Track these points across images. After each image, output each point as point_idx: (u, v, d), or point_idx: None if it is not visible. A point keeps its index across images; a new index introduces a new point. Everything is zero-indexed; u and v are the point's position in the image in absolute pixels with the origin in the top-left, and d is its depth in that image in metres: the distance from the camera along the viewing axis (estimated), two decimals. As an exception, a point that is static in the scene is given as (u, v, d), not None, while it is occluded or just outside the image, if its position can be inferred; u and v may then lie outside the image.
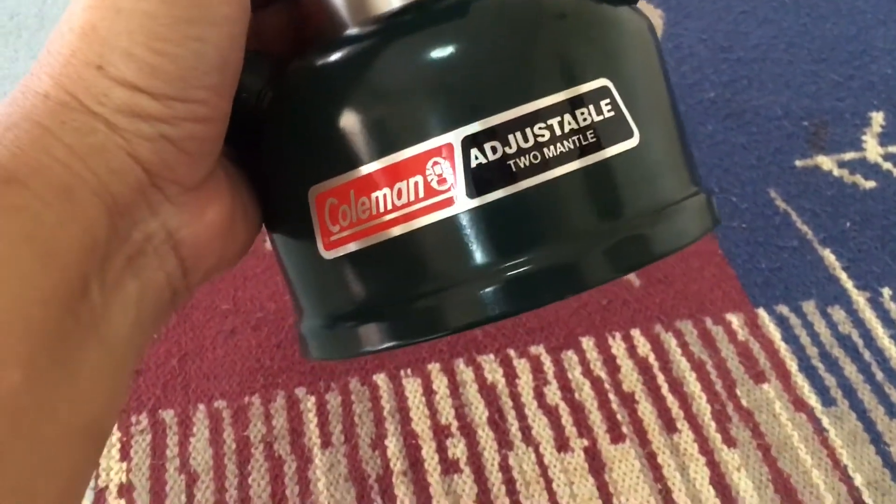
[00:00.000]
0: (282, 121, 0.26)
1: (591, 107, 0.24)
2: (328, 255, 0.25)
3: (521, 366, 0.46)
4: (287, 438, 0.43)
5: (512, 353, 0.46)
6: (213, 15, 0.21)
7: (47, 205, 0.19)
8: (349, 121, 0.24)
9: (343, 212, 0.24)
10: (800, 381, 0.45)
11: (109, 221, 0.21)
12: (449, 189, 0.23)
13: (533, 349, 0.46)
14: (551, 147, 0.24)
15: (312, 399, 0.44)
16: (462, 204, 0.23)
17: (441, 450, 0.42)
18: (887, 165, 0.55)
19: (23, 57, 0.64)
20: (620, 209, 0.25)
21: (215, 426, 0.43)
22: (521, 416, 0.44)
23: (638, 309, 0.48)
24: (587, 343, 0.47)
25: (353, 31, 0.25)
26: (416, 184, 0.23)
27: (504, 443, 0.43)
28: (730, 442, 0.42)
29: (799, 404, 0.44)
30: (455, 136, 0.23)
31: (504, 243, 0.24)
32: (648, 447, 0.42)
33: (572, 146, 0.24)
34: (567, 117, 0.24)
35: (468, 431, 0.43)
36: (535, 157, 0.24)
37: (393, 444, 0.43)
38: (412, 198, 0.23)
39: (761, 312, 0.48)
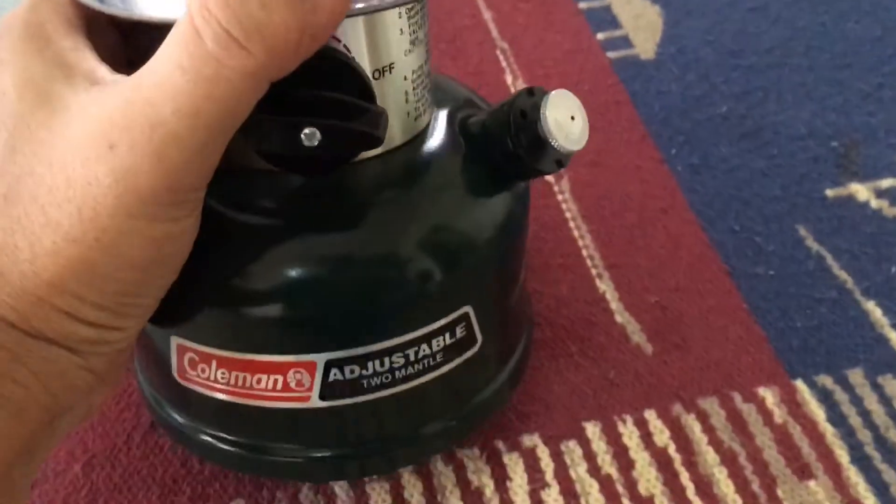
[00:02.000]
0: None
1: (446, 334, 0.30)
2: (180, 380, 0.32)
3: (513, 462, 0.37)
4: (220, 572, 0.34)
5: (501, 445, 0.37)
6: (171, 263, 0.24)
7: None
8: (231, 311, 0.28)
9: (201, 367, 0.30)
10: (853, 475, 0.37)
11: (49, 426, 0.23)
12: (307, 390, 0.30)
13: (526, 439, 0.38)
14: (402, 370, 0.30)
15: (253, 516, 0.35)
16: (313, 402, 0.30)
17: (416, 582, 0.34)
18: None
19: None
20: (447, 407, 0.33)
21: (128, 558, 0.34)
22: (515, 533, 0.35)
23: (652, 384, 0.40)
24: (592, 430, 0.38)
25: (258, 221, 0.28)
26: (275, 380, 0.29)
27: (495, 570, 0.34)
28: (775, 562, 0.34)
29: (854, 507, 0.36)
30: (320, 358, 0.29)
31: (339, 435, 0.32)
32: (675, 572, 0.34)
33: (422, 367, 0.30)
34: (423, 346, 0.30)
35: (449, 555, 0.34)
36: (387, 378, 0.30)
37: (355, 577, 0.34)
38: (268, 388, 0.30)
39: (800, 385, 0.39)
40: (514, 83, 0.54)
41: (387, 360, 0.29)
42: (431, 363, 0.30)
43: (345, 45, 0.26)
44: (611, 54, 0.56)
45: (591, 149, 0.50)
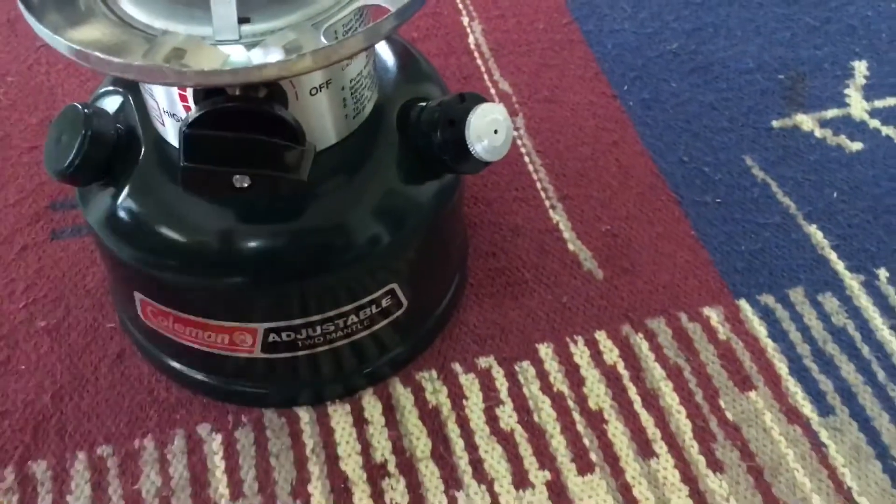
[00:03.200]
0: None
1: (372, 306, 0.35)
2: (145, 320, 0.36)
3: (469, 382, 0.39)
4: (188, 490, 0.35)
5: (457, 367, 0.39)
6: None
7: None
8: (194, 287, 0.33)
9: (160, 319, 0.35)
10: (791, 385, 0.38)
11: None
12: (250, 346, 0.34)
13: (482, 361, 0.39)
14: (334, 333, 0.34)
15: (219, 438, 0.37)
16: (256, 353, 0.35)
17: (376, 494, 0.35)
18: (874, 123, 0.49)
19: None
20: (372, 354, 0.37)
21: (98, 480, 0.35)
22: (471, 447, 0.37)
23: (602, 306, 0.41)
24: (545, 351, 0.40)
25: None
26: (222, 338, 0.34)
27: (452, 481, 0.36)
28: (716, 466, 0.36)
29: (792, 415, 0.38)
30: (260, 326, 0.34)
31: (273, 376, 0.37)
32: (622, 477, 0.36)
33: (352, 330, 0.35)
34: (351, 317, 0.34)
35: (408, 468, 0.36)
36: (320, 339, 0.35)
37: (318, 491, 0.35)
38: (217, 342, 0.34)
39: (743, 304, 0.41)
40: (471, 24, 0.55)
41: (318, 327, 0.34)
42: (360, 327, 0.35)
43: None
44: (565, -6, 0.57)
45: (545, 85, 0.51)
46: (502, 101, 0.50)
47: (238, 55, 0.27)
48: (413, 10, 0.28)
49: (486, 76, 0.52)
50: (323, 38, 0.27)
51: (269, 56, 0.26)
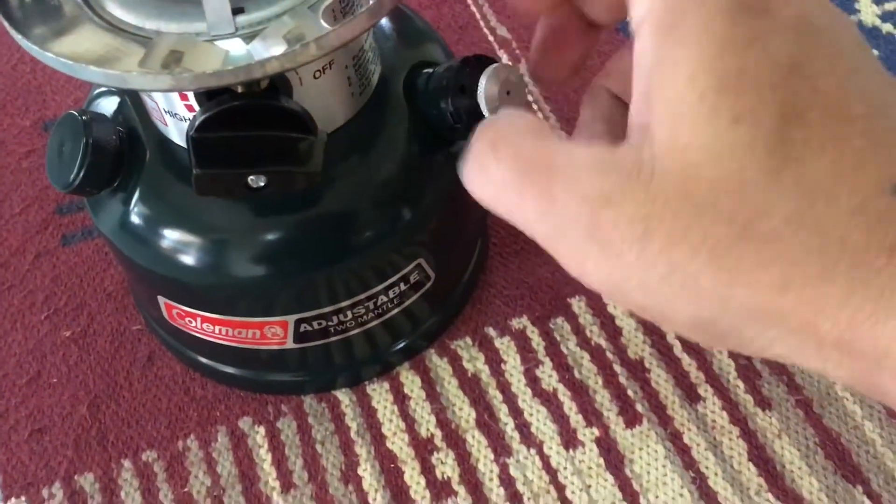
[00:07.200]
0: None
1: (401, 283, 0.34)
2: (171, 322, 0.35)
3: (505, 346, 0.38)
4: (238, 487, 0.35)
5: (491, 331, 0.38)
6: None
7: None
8: (218, 286, 0.32)
9: (187, 320, 0.34)
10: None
11: None
12: (282, 339, 0.34)
13: (515, 322, 0.39)
14: (365, 316, 0.34)
15: (261, 431, 0.36)
16: (289, 345, 0.34)
17: (427, 470, 0.35)
18: (888, 27, 0.47)
19: None
20: (402, 332, 0.37)
21: (147, 486, 0.35)
22: (515, 411, 0.36)
23: (631, 252, 0.40)
24: (578, 305, 0.39)
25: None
26: (253, 333, 0.33)
27: (500, 448, 0.35)
28: (763, 403, 0.36)
29: (835, 342, 0.37)
30: (290, 318, 0.33)
31: (308, 364, 0.36)
32: (670, 425, 0.35)
33: (383, 310, 0.34)
34: (381, 297, 0.33)
35: (455, 441, 0.36)
36: (352, 323, 0.34)
37: (368, 473, 0.35)
38: (248, 338, 0.34)
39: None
40: (463, -27, 0.53)
41: (349, 312, 0.33)
42: (391, 305, 0.34)
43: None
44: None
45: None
46: (502, 49, 0.48)
47: (236, 49, 0.26)
48: None
49: (482, 23, 0.50)
50: (323, 22, 0.26)
51: (271, 49, 0.25)
